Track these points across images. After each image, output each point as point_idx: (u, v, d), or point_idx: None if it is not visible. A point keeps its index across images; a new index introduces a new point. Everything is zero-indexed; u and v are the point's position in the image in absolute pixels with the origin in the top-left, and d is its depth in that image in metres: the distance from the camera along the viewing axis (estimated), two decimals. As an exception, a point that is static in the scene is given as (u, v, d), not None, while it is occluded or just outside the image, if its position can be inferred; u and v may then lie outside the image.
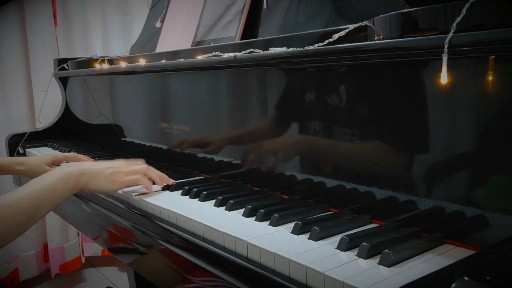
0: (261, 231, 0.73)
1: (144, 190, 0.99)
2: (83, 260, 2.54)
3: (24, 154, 1.71)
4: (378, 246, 0.62)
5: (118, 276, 2.43)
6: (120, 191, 1.02)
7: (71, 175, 0.88)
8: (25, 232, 0.81)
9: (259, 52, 0.90)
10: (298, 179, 0.88)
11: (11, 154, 1.73)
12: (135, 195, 0.98)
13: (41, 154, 1.52)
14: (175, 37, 1.39)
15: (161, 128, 1.27)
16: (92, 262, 2.59)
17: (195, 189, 0.94)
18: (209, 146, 1.11)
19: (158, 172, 1.03)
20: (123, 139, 1.50)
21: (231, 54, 0.95)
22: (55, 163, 1.30)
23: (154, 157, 1.32)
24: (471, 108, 0.63)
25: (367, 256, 0.61)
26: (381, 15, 0.70)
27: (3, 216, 0.76)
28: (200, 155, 1.14)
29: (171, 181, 1.02)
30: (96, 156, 1.42)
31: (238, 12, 1.17)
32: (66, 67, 1.81)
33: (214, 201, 0.89)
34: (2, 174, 1.37)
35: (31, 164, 1.30)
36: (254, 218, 0.79)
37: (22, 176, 1.35)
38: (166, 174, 1.07)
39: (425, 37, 0.63)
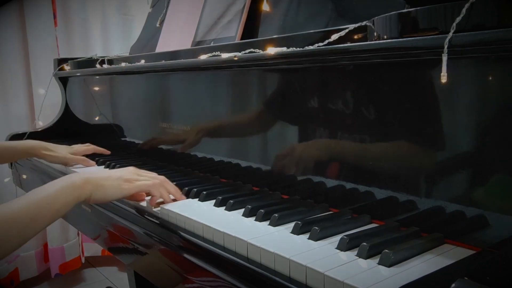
0: (261, 231, 0.73)
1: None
2: (83, 260, 2.54)
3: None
4: (378, 246, 0.62)
5: (118, 276, 2.43)
6: None
7: (73, 185, 0.82)
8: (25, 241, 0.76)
9: (259, 52, 0.90)
10: (298, 179, 0.88)
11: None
12: None
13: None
14: (175, 37, 1.39)
15: (161, 128, 1.27)
16: (92, 262, 2.59)
17: (195, 189, 0.94)
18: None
19: (174, 186, 0.95)
20: (123, 139, 1.50)
21: (231, 54, 0.95)
22: (77, 155, 1.31)
23: (154, 157, 1.32)
24: (471, 108, 0.63)
25: (367, 256, 0.61)
26: (381, 15, 0.70)
27: None
28: (200, 155, 1.14)
29: (183, 198, 0.94)
30: (97, 157, 1.42)
31: (238, 12, 1.17)
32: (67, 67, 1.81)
33: (214, 201, 0.89)
34: (28, 157, 1.40)
35: (58, 152, 1.32)
36: (254, 218, 0.79)
37: (47, 161, 1.34)
38: (165, 174, 1.06)
39: (425, 37, 0.63)
